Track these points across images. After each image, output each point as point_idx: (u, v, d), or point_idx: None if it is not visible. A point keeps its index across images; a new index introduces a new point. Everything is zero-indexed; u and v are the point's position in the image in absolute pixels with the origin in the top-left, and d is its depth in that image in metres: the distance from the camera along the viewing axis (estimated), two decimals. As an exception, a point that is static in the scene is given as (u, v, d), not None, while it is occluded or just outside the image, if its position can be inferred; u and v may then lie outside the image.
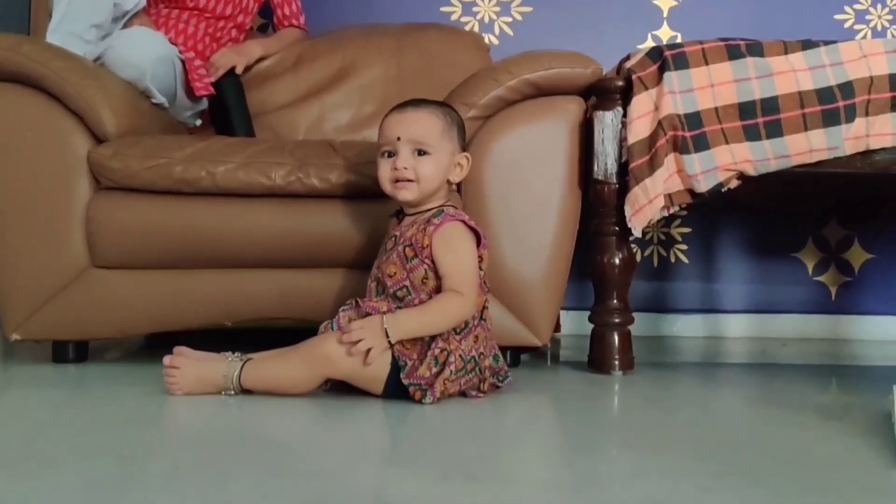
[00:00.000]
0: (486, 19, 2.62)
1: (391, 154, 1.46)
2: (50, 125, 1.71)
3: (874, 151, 1.69)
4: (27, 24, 2.77)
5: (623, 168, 1.71)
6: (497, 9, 2.62)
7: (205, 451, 1.06)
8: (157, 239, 1.69)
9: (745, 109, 1.68)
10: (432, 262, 1.40)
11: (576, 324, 2.46)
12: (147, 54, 1.90)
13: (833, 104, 1.66)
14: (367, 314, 1.39)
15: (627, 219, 1.70)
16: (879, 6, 2.59)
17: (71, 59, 1.75)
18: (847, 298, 2.56)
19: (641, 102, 1.69)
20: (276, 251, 1.69)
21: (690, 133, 1.68)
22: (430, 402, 1.34)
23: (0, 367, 1.79)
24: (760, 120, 1.67)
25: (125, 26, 2.06)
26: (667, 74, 1.68)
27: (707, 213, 2.54)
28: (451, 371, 1.36)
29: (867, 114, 1.66)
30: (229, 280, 1.72)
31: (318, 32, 2.44)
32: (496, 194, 1.71)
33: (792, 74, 1.67)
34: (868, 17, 2.60)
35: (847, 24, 2.59)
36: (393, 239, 1.47)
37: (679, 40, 2.56)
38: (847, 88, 1.67)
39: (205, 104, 2.18)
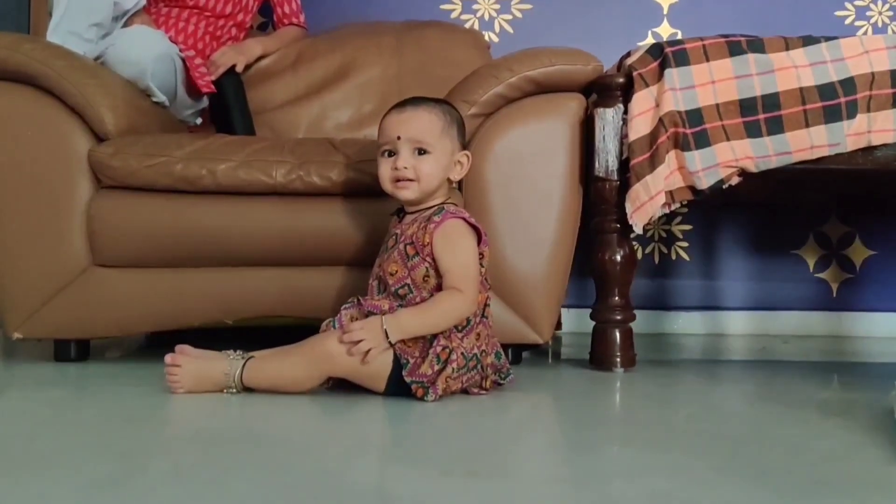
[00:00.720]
0: (486, 17, 2.62)
1: (391, 153, 1.46)
2: (50, 124, 1.71)
3: (875, 148, 1.69)
4: (27, 24, 2.77)
5: (624, 165, 1.71)
6: (497, 6, 2.62)
7: (206, 450, 1.06)
8: (158, 237, 1.69)
9: (746, 106, 1.68)
10: (433, 259, 1.40)
11: (577, 321, 2.46)
12: (147, 53, 1.90)
13: (834, 100, 1.66)
14: (370, 313, 1.39)
15: (628, 216, 1.70)
16: (880, 2, 2.59)
17: (71, 58, 1.75)
18: (848, 295, 2.56)
19: (642, 99, 1.69)
20: (277, 249, 1.69)
21: (691, 130, 1.67)
22: (432, 399, 1.34)
23: (1, 366, 1.79)
24: (761, 116, 1.67)
25: (125, 25, 2.06)
26: (668, 71, 1.68)
27: (708, 210, 2.54)
28: (454, 369, 1.36)
29: (869, 110, 1.66)
30: (230, 278, 1.72)
31: (317, 31, 2.44)
32: (497, 192, 1.71)
33: (793, 70, 1.67)
34: (868, 13, 2.59)
35: (848, 21, 2.59)
36: (394, 237, 1.47)
37: (679, 37, 2.56)
38: (848, 84, 1.66)
39: (205, 102, 2.18)
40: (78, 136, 1.72)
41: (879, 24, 2.59)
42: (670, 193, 1.70)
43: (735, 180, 1.70)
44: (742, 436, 1.19)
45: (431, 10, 2.60)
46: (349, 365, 1.35)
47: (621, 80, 1.71)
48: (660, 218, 2.38)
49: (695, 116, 1.68)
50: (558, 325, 2.33)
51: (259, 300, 1.72)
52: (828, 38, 1.70)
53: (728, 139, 1.68)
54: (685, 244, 2.58)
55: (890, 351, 2.25)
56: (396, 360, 1.35)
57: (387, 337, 1.33)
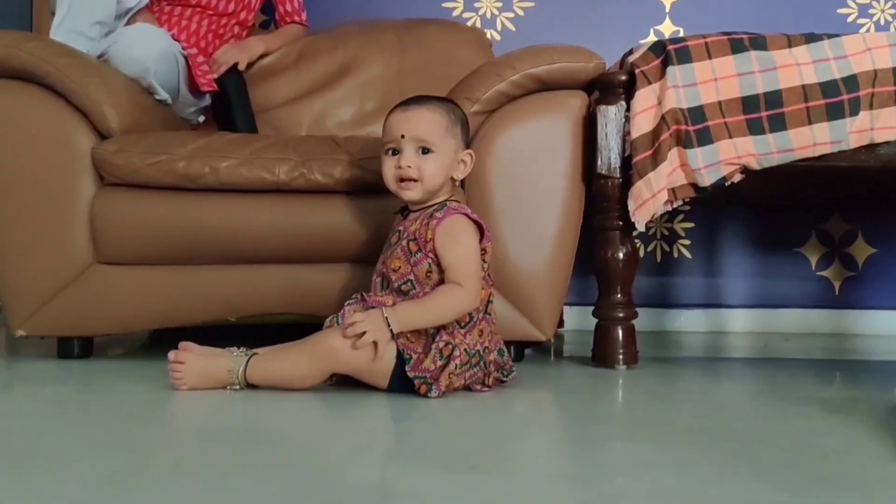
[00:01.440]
0: (488, 14, 2.62)
1: (395, 151, 1.46)
2: (53, 122, 1.72)
3: (878, 145, 1.69)
4: (29, 22, 2.78)
5: (626, 162, 1.71)
6: (499, 4, 2.62)
7: (210, 446, 1.06)
8: (160, 235, 1.69)
9: (749, 103, 1.67)
10: (436, 255, 1.40)
11: (579, 319, 2.46)
12: (150, 51, 1.90)
13: (837, 97, 1.66)
14: (372, 308, 1.40)
15: (631, 213, 1.70)
16: (882, 0, 2.59)
17: (74, 56, 1.75)
18: (851, 293, 2.56)
19: (644, 97, 1.69)
20: (280, 247, 1.69)
21: (694, 127, 1.67)
22: (435, 395, 1.34)
23: (5, 363, 1.79)
24: (764, 114, 1.67)
25: (128, 23, 2.07)
26: (670, 69, 1.68)
27: (710, 207, 2.54)
28: (456, 365, 1.36)
29: (871, 107, 1.66)
30: (233, 276, 1.72)
31: (319, 29, 2.44)
32: (500, 189, 1.71)
33: (795, 68, 1.67)
34: (871, 11, 2.59)
35: (850, 19, 2.59)
36: (397, 234, 1.48)
37: (682, 35, 2.55)
38: (851, 82, 1.66)
39: (207, 101, 2.19)
40: (81, 133, 1.72)
41: (882, 22, 2.59)
42: (673, 191, 1.70)
43: (737, 178, 1.70)
44: (744, 432, 1.19)
45: (433, 7, 2.60)
46: (353, 360, 1.35)
47: (624, 77, 1.71)
48: (662, 215, 2.38)
49: (697, 114, 1.68)
50: (560, 323, 2.34)
51: (262, 298, 1.72)
52: (830, 36, 1.70)
53: (730, 136, 1.67)
54: (687, 242, 2.58)
55: (892, 348, 2.25)
56: (399, 355, 1.35)
57: (389, 326, 1.33)
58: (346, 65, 2.31)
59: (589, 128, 1.75)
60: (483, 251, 1.44)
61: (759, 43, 1.69)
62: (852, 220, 2.57)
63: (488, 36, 2.53)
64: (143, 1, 2.08)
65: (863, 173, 1.78)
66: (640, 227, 1.71)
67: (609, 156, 1.72)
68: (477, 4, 2.62)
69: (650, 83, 1.70)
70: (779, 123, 1.67)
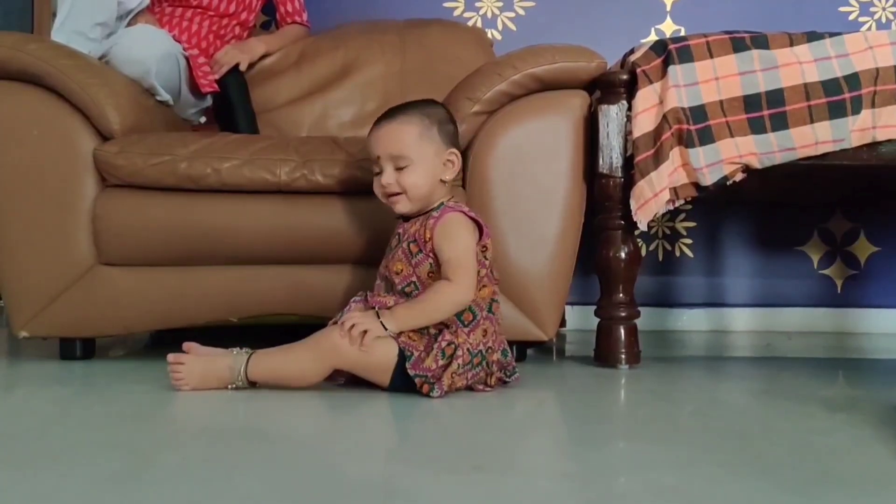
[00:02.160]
0: (489, 14, 2.62)
1: (380, 170, 1.47)
2: (55, 123, 1.72)
3: (880, 143, 1.68)
4: (30, 24, 2.78)
5: (628, 162, 1.71)
6: (500, 4, 2.62)
7: (213, 446, 1.06)
8: (162, 236, 1.69)
9: (750, 102, 1.67)
10: (436, 255, 1.40)
11: (581, 319, 2.46)
12: (151, 52, 1.90)
13: (839, 96, 1.66)
14: (371, 309, 1.40)
15: (633, 213, 1.70)
16: (884, -2, 2.59)
17: (75, 58, 1.76)
18: (853, 291, 2.56)
19: (646, 96, 1.69)
20: (281, 247, 1.69)
21: (695, 126, 1.67)
22: (437, 395, 1.34)
23: (8, 364, 1.80)
24: (765, 112, 1.67)
25: (129, 24, 2.07)
26: (671, 68, 1.68)
27: (712, 207, 2.54)
28: (459, 364, 1.36)
29: (873, 105, 1.66)
30: (235, 277, 1.72)
31: (320, 29, 2.45)
32: (501, 189, 1.71)
33: (797, 66, 1.67)
34: (872, 9, 2.59)
35: (852, 17, 2.59)
36: (397, 237, 1.48)
37: (683, 34, 2.55)
38: (853, 80, 1.66)
39: (209, 101, 2.19)
40: (83, 135, 1.72)
41: (883, 20, 2.59)
42: (674, 190, 1.70)
43: (739, 177, 1.70)
44: (747, 431, 1.19)
45: (434, 7, 2.60)
46: (354, 356, 1.35)
47: (625, 76, 1.71)
48: (664, 215, 2.38)
49: (698, 113, 1.68)
50: (562, 323, 2.34)
51: (263, 298, 1.72)
52: (832, 34, 1.70)
53: (732, 135, 1.67)
54: (689, 241, 2.58)
55: (894, 347, 2.25)
56: (401, 353, 1.35)
57: (383, 325, 1.34)
58: (347, 65, 2.31)
59: (590, 127, 1.75)
60: (484, 248, 1.44)
61: (760, 42, 1.69)
62: (854, 218, 2.56)
63: (489, 36, 2.53)
64: (145, 2, 2.08)
65: (865, 172, 1.78)
66: (642, 227, 1.71)
67: (610, 155, 1.72)
68: (478, 4, 2.62)
69: (651, 82, 1.69)
70: (780, 122, 1.66)
